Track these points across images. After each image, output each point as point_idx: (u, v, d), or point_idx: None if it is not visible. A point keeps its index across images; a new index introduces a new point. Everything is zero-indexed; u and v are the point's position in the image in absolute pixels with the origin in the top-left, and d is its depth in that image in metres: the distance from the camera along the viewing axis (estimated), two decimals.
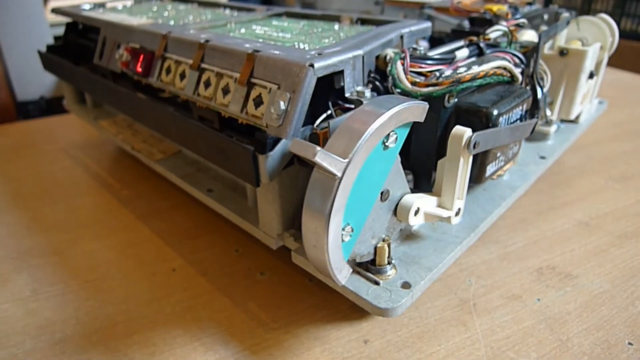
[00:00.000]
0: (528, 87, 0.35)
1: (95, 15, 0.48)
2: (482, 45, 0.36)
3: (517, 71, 0.34)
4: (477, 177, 0.32)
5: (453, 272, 0.39)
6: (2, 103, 0.80)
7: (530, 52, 0.42)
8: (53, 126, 0.72)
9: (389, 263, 0.29)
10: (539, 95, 0.37)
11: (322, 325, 0.34)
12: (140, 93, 0.39)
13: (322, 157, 0.20)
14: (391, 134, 0.24)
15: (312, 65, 0.26)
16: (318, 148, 0.20)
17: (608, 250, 0.41)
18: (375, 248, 0.28)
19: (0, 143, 0.67)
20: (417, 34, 0.35)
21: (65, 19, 0.55)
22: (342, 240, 0.24)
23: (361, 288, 0.28)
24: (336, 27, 0.39)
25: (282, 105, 0.26)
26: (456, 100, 0.31)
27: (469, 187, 0.38)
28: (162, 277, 0.39)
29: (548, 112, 0.44)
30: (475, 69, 0.30)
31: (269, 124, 0.27)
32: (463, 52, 0.34)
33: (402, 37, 0.34)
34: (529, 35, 0.44)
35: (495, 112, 0.30)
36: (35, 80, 0.61)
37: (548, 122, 0.45)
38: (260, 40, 0.34)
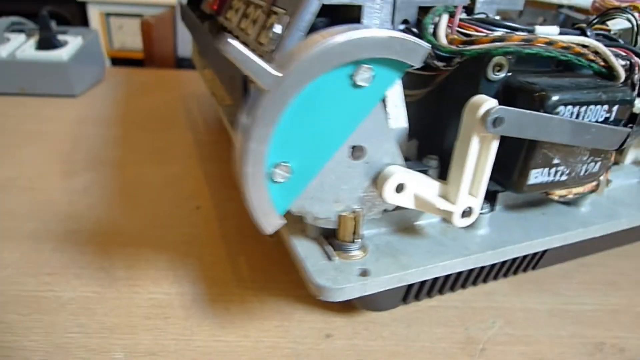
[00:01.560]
0: (630, 90, 0.26)
1: None
2: (588, 32, 0.28)
3: (617, 62, 0.25)
4: (516, 181, 0.25)
5: (478, 306, 0.31)
6: (164, 55, 0.92)
7: None
8: (187, 77, 0.80)
9: (353, 241, 0.24)
10: None
11: (293, 303, 0.30)
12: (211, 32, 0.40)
13: (252, 67, 0.17)
14: (362, 67, 0.19)
15: None
16: (251, 55, 0.17)
17: None
18: (339, 217, 0.23)
19: (144, 81, 0.77)
20: (498, 3, 0.29)
21: None
22: (273, 180, 0.20)
23: (311, 257, 0.24)
24: None
25: (278, 29, 0.24)
26: (509, 75, 0.24)
27: (522, 204, 0.30)
28: (184, 211, 0.40)
29: None
30: (536, 35, 0.23)
31: (266, 49, 0.25)
32: (549, 29, 0.26)
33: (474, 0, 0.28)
34: None
35: (554, 98, 0.23)
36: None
37: None
38: None
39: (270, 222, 0.21)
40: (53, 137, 0.53)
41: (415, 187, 0.23)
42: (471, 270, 0.29)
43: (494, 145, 0.22)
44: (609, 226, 0.29)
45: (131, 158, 0.49)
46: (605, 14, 0.30)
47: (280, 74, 0.18)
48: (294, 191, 0.21)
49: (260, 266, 0.34)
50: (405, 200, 0.23)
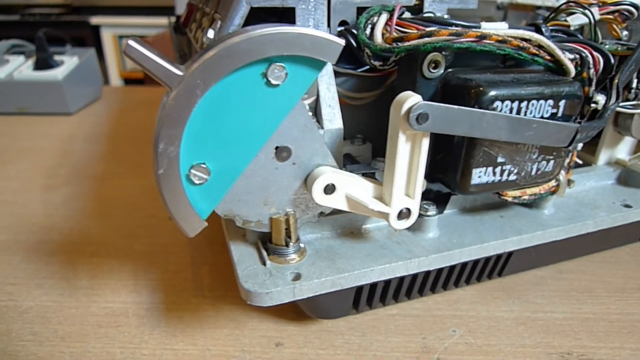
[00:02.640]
0: (580, 85, 0.25)
1: None
2: (543, 28, 0.27)
3: (564, 56, 0.24)
4: (459, 182, 0.24)
5: (440, 314, 0.30)
6: None
7: None
8: None
9: (287, 245, 0.23)
10: (610, 103, 0.25)
11: (249, 312, 0.30)
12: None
13: (155, 67, 0.17)
14: (274, 65, 0.19)
15: None
16: (153, 55, 0.17)
17: None
18: (271, 220, 0.23)
19: (142, 97, 0.79)
20: (448, 2, 0.28)
21: None
22: (192, 182, 0.20)
23: (245, 261, 0.23)
24: None
25: (210, 34, 0.24)
26: (448, 72, 0.24)
27: (480, 207, 0.29)
28: (156, 222, 0.40)
29: None
30: (466, 30, 0.22)
31: None
32: (497, 25, 0.26)
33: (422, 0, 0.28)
34: None
35: (491, 93, 0.22)
36: None
37: None
38: None
39: (191, 225, 0.21)
40: (43, 154, 0.55)
41: (347, 188, 0.22)
42: (426, 276, 0.28)
43: (425, 143, 0.21)
44: (571, 229, 0.27)
45: (113, 172, 0.50)
46: (562, 9, 0.30)
47: (181, 73, 0.18)
48: (217, 193, 0.21)
49: (222, 275, 0.33)
50: (336, 202, 0.22)
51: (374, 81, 0.29)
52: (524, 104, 0.23)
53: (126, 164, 0.52)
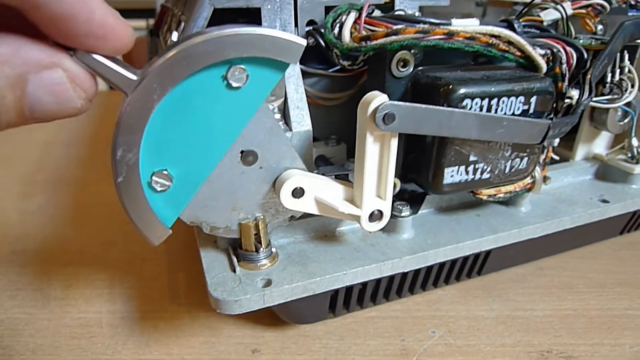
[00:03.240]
0: (551, 80, 0.24)
1: None
2: (516, 24, 0.27)
3: (534, 52, 0.24)
4: (432, 182, 0.24)
5: (419, 315, 0.29)
6: None
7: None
8: None
9: (256, 250, 0.22)
10: (583, 98, 0.25)
11: (225, 319, 0.29)
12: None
13: (109, 73, 0.17)
14: (235, 68, 0.18)
15: None
16: (106, 61, 0.17)
17: None
18: (240, 225, 0.22)
19: (119, 101, 0.78)
20: (421, 0, 0.28)
21: None
22: (154, 189, 0.19)
23: (215, 268, 0.23)
24: None
25: (175, 36, 0.23)
26: (418, 70, 0.23)
27: (457, 206, 0.29)
28: (132, 228, 0.39)
29: (635, 142, 0.31)
30: (433, 27, 0.22)
31: None
32: (468, 22, 0.25)
33: None
34: None
35: (460, 91, 0.22)
36: None
37: (635, 158, 0.31)
38: None
39: (155, 233, 0.20)
40: (20, 160, 0.54)
41: (316, 191, 0.22)
42: (404, 278, 0.27)
43: (394, 143, 0.21)
44: (548, 226, 0.27)
45: (92, 177, 0.49)
46: (534, 4, 0.29)
47: (136, 78, 0.17)
48: (181, 200, 0.20)
49: (198, 282, 0.33)
50: (305, 206, 0.22)
51: (346, 81, 0.28)
52: (494, 101, 0.22)
53: (105, 170, 0.50)
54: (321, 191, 0.22)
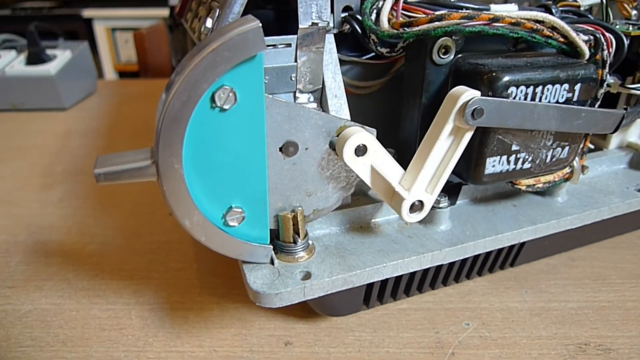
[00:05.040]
0: (595, 67, 0.23)
1: None
2: (553, 9, 0.26)
3: (578, 38, 0.23)
4: (473, 172, 0.23)
5: (452, 307, 0.29)
6: (159, 65, 0.93)
7: None
8: None
9: (294, 242, 0.22)
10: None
11: (255, 310, 0.29)
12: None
13: (128, 174, 0.17)
14: (218, 93, 0.17)
15: None
16: (117, 167, 0.17)
17: None
18: (278, 217, 0.22)
19: (136, 90, 0.77)
20: None
21: None
22: (232, 226, 0.20)
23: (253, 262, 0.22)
24: None
25: (209, 23, 0.22)
26: (458, 57, 0.23)
27: (492, 196, 0.28)
28: (158, 218, 0.39)
29: None
30: (478, 12, 0.21)
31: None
32: (507, 7, 0.24)
33: None
34: None
35: (504, 79, 0.21)
36: None
37: None
38: None
39: (260, 257, 0.21)
40: (38, 151, 0.53)
41: (375, 156, 0.21)
42: (438, 270, 0.27)
43: (466, 138, 0.21)
44: (586, 216, 0.26)
45: None
46: None
47: (149, 162, 0.17)
48: (260, 217, 0.21)
49: (226, 272, 0.33)
50: (362, 168, 0.21)
51: (379, 69, 0.28)
52: (539, 88, 0.22)
53: None
54: (379, 159, 0.21)
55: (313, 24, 0.23)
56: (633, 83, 0.29)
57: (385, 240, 0.24)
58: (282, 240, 0.22)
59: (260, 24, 0.17)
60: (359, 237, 0.24)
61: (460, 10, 0.21)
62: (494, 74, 0.21)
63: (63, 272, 0.33)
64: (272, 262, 0.22)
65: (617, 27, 0.28)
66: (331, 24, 0.23)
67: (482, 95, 0.20)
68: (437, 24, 0.20)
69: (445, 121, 0.20)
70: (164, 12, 1.43)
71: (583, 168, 0.27)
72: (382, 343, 0.27)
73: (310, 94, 0.23)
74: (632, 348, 0.26)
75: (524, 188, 0.25)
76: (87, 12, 1.57)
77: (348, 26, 0.24)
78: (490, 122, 0.20)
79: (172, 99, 0.17)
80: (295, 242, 0.22)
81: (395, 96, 0.28)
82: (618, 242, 0.35)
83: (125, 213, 0.40)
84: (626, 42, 0.26)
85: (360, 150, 0.20)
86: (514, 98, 0.21)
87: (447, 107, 0.20)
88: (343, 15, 0.24)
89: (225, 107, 0.18)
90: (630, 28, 0.28)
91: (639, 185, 0.30)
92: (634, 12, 0.31)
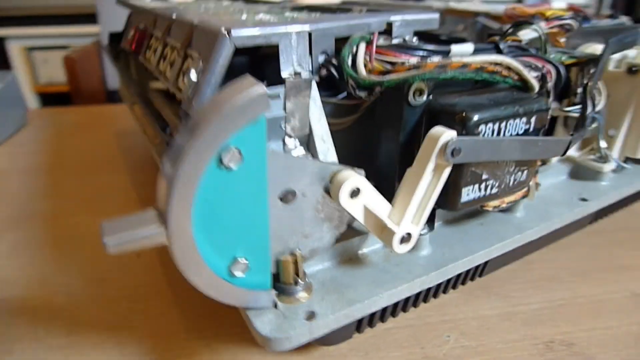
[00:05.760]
0: (544, 99, 0.27)
1: (140, 4, 0.50)
2: (501, 45, 0.29)
3: (529, 75, 0.26)
4: (449, 201, 0.25)
5: (432, 322, 0.31)
6: (93, 89, 0.88)
7: (587, 64, 0.33)
8: (121, 112, 0.77)
9: (296, 283, 0.23)
10: (589, 110, 0.28)
11: (248, 347, 0.29)
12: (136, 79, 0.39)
13: (142, 239, 0.17)
14: (226, 154, 0.18)
15: (228, 32, 0.22)
16: (130, 234, 0.17)
17: None
18: (278, 262, 0.22)
19: (74, 119, 0.73)
20: (414, 24, 0.29)
21: None
22: (237, 276, 0.20)
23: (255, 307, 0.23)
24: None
25: (193, 76, 0.23)
26: (430, 98, 0.25)
27: (460, 218, 0.31)
28: (126, 260, 0.38)
29: (603, 144, 0.34)
30: (450, 60, 0.23)
31: (184, 95, 0.24)
32: (465, 47, 0.27)
33: (390, 24, 0.28)
34: (595, 49, 0.35)
35: (474, 118, 0.23)
36: None
37: (603, 158, 0.35)
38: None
39: (265, 302, 0.22)
40: None
41: (366, 197, 0.22)
42: (425, 291, 0.29)
43: (446, 173, 0.23)
44: (543, 228, 0.30)
45: (63, 208, 0.46)
46: (515, 25, 0.32)
47: (158, 228, 0.18)
48: (262, 264, 0.21)
49: (210, 312, 0.32)
50: (356, 208, 0.22)
51: (350, 107, 0.29)
52: (503, 124, 0.24)
53: (73, 199, 0.48)
54: (370, 198, 0.22)
55: (296, 72, 0.24)
56: (569, 106, 0.32)
57: (375, 270, 0.26)
58: (283, 282, 0.23)
59: (265, 89, 0.17)
60: (351, 270, 0.26)
61: (433, 58, 0.23)
62: (464, 113, 0.23)
63: (33, 330, 0.31)
64: (275, 306, 0.23)
65: (552, 56, 0.32)
66: (310, 72, 0.24)
67: (457, 133, 0.23)
68: (414, 72, 0.22)
69: (428, 160, 0.22)
70: (84, 29, 1.36)
71: (536, 185, 0.31)
72: None
73: (296, 139, 0.24)
74: (590, 340, 0.30)
75: (490, 209, 0.28)
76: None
77: (325, 71, 0.26)
78: (467, 158, 0.23)
79: (183, 165, 0.17)
80: (296, 283, 0.23)
81: (364, 131, 0.30)
82: (563, 244, 0.39)
83: (89, 257, 0.38)
84: (563, 72, 0.30)
85: (355, 193, 0.22)
86: (483, 134, 0.24)
87: (428, 147, 0.22)
88: (321, 59, 0.26)
89: (232, 166, 0.18)
90: (563, 57, 0.32)
91: (581, 194, 0.34)
92: (563, 39, 0.35)
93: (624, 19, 0.42)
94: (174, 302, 0.33)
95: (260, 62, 0.28)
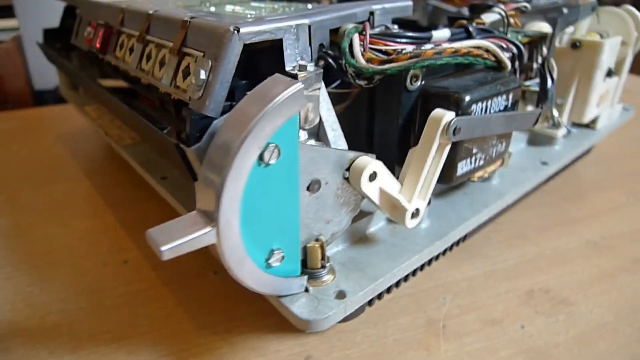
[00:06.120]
0: (515, 76, 0.30)
1: None
2: (471, 29, 0.31)
3: (504, 56, 0.29)
4: (446, 175, 0.28)
5: (427, 288, 0.34)
6: (18, 91, 0.81)
7: (539, 41, 0.37)
8: (58, 114, 0.72)
9: (322, 267, 0.24)
10: (548, 85, 0.31)
11: (263, 335, 0.30)
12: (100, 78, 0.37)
13: (194, 242, 0.18)
14: (267, 150, 0.19)
15: (237, 30, 0.22)
16: (184, 239, 0.17)
17: (617, 275, 0.35)
18: (305, 248, 0.24)
19: (5, 127, 0.67)
20: (392, 12, 0.31)
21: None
22: (274, 266, 0.21)
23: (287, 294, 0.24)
24: (309, 5, 0.35)
25: (203, 75, 0.23)
26: (423, 83, 0.27)
27: (446, 190, 0.34)
28: (113, 268, 0.37)
29: (555, 113, 0.39)
30: (443, 46, 0.25)
31: (191, 96, 0.24)
32: (443, 33, 0.29)
33: (372, 13, 0.30)
34: (540, 27, 0.39)
35: (467, 99, 0.26)
36: (52, 70, 0.61)
37: (555, 125, 0.40)
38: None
39: (297, 288, 0.23)
40: None
41: (382, 178, 0.24)
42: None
43: (447, 150, 0.25)
44: (518, 192, 0.33)
45: (27, 223, 0.43)
46: (475, 8, 0.35)
47: (210, 228, 0.18)
48: (294, 253, 0.22)
49: (217, 306, 0.33)
50: (373, 191, 0.24)
51: (342, 94, 0.30)
52: (489, 102, 0.27)
53: (34, 212, 0.45)
54: (385, 180, 0.24)
55: (300, 65, 0.25)
56: (526, 80, 0.36)
57: (386, 246, 0.28)
58: (310, 267, 0.24)
59: (302, 85, 0.18)
60: (365, 249, 0.27)
61: (408, 39, 0.25)
62: (457, 95, 0.26)
63: (35, 353, 0.30)
64: (306, 290, 0.24)
65: (509, 36, 0.35)
66: (314, 64, 0.25)
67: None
68: (415, 60, 0.24)
69: (432, 140, 0.24)
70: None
71: (509, 154, 0.34)
72: (386, 333, 0.30)
73: (306, 133, 0.25)
74: (562, 285, 0.34)
75: (476, 180, 0.31)
76: None
77: (323, 62, 0.27)
78: (464, 135, 0.25)
79: (233, 165, 0.17)
80: (323, 267, 0.24)
81: (353, 116, 0.32)
82: (524, 205, 0.43)
83: (70, 271, 0.37)
84: (523, 50, 0.33)
85: (372, 177, 0.23)
86: (474, 113, 0.26)
87: (432, 128, 0.24)
88: (319, 53, 0.27)
89: (271, 162, 0.19)
90: (520, 37, 0.36)
91: (541, 158, 0.38)
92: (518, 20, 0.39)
93: None
94: (177, 302, 0.33)
95: (251, 58, 0.28)
